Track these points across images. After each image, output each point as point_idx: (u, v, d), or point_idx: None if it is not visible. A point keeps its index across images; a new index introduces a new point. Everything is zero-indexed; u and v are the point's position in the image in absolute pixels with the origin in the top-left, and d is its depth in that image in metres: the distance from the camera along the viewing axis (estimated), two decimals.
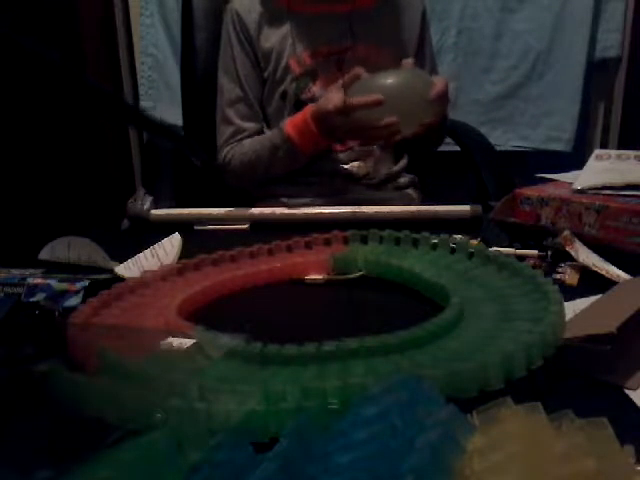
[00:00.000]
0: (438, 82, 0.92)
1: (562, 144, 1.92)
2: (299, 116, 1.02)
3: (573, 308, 0.53)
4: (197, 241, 0.82)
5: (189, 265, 0.69)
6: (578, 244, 0.70)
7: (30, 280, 0.64)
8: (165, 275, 0.66)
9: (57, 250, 0.74)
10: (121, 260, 0.71)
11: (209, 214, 0.95)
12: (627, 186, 0.76)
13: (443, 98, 0.92)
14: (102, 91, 0.79)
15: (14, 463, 0.32)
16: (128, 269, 0.69)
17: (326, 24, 1.10)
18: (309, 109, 1.00)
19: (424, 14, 1.18)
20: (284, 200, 1.09)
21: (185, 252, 0.74)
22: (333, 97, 0.94)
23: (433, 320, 0.50)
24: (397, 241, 0.73)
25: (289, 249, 0.74)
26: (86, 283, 0.64)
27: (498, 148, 1.37)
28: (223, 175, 1.14)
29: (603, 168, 0.84)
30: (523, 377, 0.42)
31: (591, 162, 0.87)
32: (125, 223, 0.98)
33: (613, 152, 0.88)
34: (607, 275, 0.64)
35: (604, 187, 0.77)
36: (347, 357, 0.45)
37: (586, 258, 0.67)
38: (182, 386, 0.39)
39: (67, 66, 0.67)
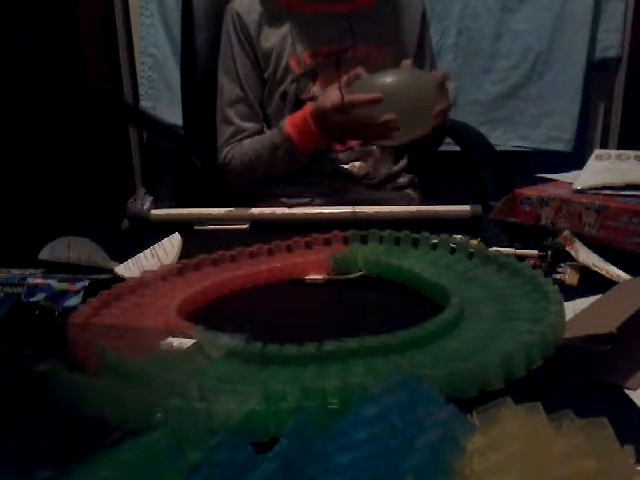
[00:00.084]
0: (438, 71, 0.94)
1: (562, 144, 1.92)
2: (298, 115, 1.02)
3: (573, 308, 0.53)
4: (197, 241, 0.82)
5: (189, 265, 0.69)
6: (578, 244, 0.70)
7: (30, 280, 0.64)
8: (165, 275, 0.66)
9: (57, 250, 0.74)
10: (121, 260, 0.71)
11: (209, 214, 0.95)
12: (627, 186, 0.76)
13: (442, 88, 0.93)
14: (102, 91, 0.79)
15: (14, 463, 0.32)
16: (128, 269, 0.69)
17: (326, 24, 1.10)
18: (308, 108, 1.00)
19: (424, 14, 1.18)
20: (284, 200, 1.09)
21: (185, 252, 0.74)
22: (331, 95, 0.94)
23: (433, 320, 0.50)
24: (397, 241, 0.73)
25: (289, 249, 0.74)
26: (86, 283, 0.64)
27: (498, 148, 1.37)
28: (223, 175, 1.14)
29: (603, 168, 0.84)
30: (523, 377, 0.42)
31: (591, 162, 0.87)
32: (125, 223, 0.98)
33: (613, 152, 0.88)
34: (607, 275, 0.64)
35: (604, 187, 0.77)
36: (347, 357, 0.45)
37: (586, 258, 0.67)
38: (182, 386, 0.39)
39: (67, 66, 0.67)
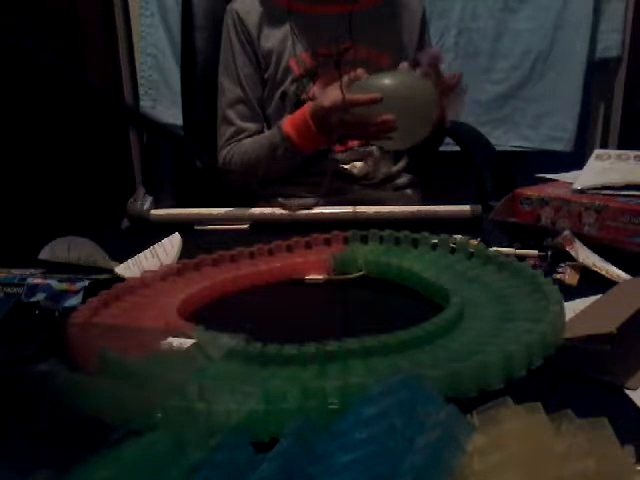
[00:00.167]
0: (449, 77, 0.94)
1: (562, 144, 1.92)
2: (297, 115, 1.02)
3: (573, 308, 0.53)
4: (197, 241, 0.82)
5: (189, 265, 0.69)
6: (578, 244, 0.70)
7: (30, 280, 0.64)
8: (165, 275, 0.66)
9: (57, 250, 0.74)
10: (121, 260, 0.71)
11: (209, 214, 0.95)
12: (627, 186, 0.76)
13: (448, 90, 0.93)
14: (102, 93, 0.79)
15: (14, 463, 0.32)
16: (128, 269, 0.69)
17: (326, 25, 1.10)
18: (307, 107, 1.00)
19: (424, 15, 1.18)
20: (284, 200, 1.09)
21: (185, 252, 0.74)
22: (331, 94, 0.94)
23: (433, 320, 0.50)
24: (397, 241, 0.73)
25: (289, 249, 0.74)
26: (86, 283, 0.64)
27: (498, 148, 1.37)
28: (224, 175, 1.14)
29: (603, 168, 0.84)
30: (523, 377, 0.42)
31: (591, 162, 0.87)
32: (125, 223, 0.98)
33: (613, 152, 0.88)
34: (607, 275, 0.64)
35: (604, 187, 0.77)
36: (347, 357, 0.45)
37: (586, 258, 0.67)
38: (182, 386, 0.39)
39: (67, 68, 0.67)
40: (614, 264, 0.67)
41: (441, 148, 1.25)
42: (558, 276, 0.66)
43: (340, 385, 0.38)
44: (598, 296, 0.56)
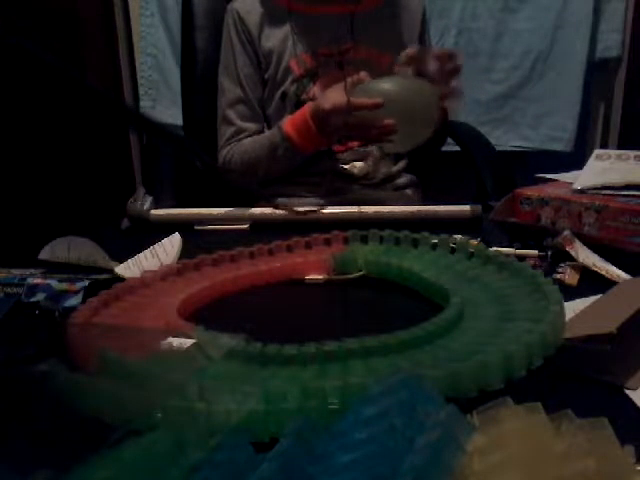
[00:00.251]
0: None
1: (562, 144, 1.92)
2: (298, 115, 1.02)
3: (573, 308, 0.53)
4: (197, 241, 0.82)
5: (189, 265, 0.69)
6: (578, 244, 0.70)
7: (30, 280, 0.64)
8: (165, 275, 0.66)
9: (57, 250, 0.74)
10: (121, 260, 0.71)
11: (209, 214, 0.95)
12: (627, 186, 0.76)
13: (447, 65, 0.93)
14: (102, 95, 0.79)
15: (14, 463, 0.32)
16: (128, 269, 0.69)
17: (327, 25, 1.10)
18: (308, 107, 1.00)
19: (424, 15, 1.18)
20: (284, 200, 1.09)
21: (185, 252, 0.74)
22: (331, 96, 0.94)
23: (433, 320, 0.50)
24: (397, 241, 0.73)
25: (289, 249, 0.74)
26: (86, 283, 0.64)
27: (498, 148, 1.37)
28: (224, 175, 1.14)
29: (603, 168, 0.84)
30: (523, 377, 0.42)
31: (591, 162, 0.87)
32: (125, 223, 0.98)
33: (613, 152, 0.87)
34: (607, 275, 0.64)
35: (604, 187, 0.77)
36: (347, 357, 0.45)
37: (586, 258, 0.67)
38: (182, 386, 0.39)
39: (67, 69, 0.67)
40: (614, 264, 0.67)
41: (441, 148, 1.25)
42: (558, 276, 0.66)
43: (340, 385, 0.38)
44: (598, 296, 0.56)
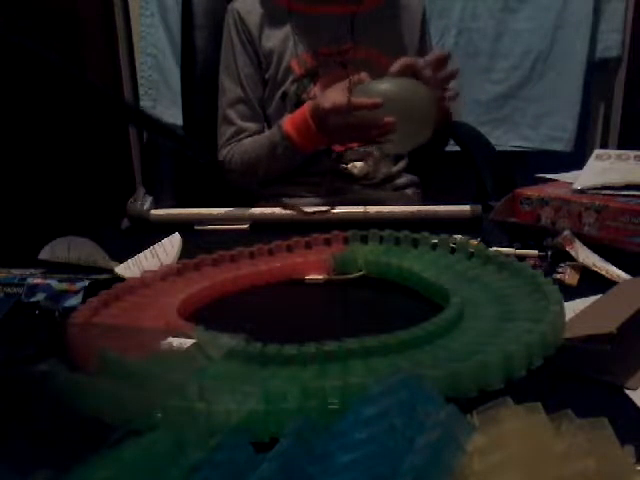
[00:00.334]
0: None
1: (562, 144, 1.92)
2: (297, 113, 1.02)
3: (573, 308, 0.53)
4: (197, 241, 0.82)
5: (189, 265, 0.69)
6: (578, 244, 0.70)
7: (30, 280, 0.64)
8: (165, 275, 0.66)
9: (57, 250, 0.74)
10: (121, 260, 0.71)
11: (209, 214, 0.95)
12: (627, 186, 0.76)
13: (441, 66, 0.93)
14: (102, 92, 0.79)
15: (14, 463, 0.32)
16: (128, 269, 0.69)
17: (327, 25, 1.10)
18: (307, 106, 1.00)
19: (424, 15, 1.18)
20: (283, 199, 1.09)
21: (185, 252, 0.74)
22: (330, 96, 0.94)
23: (433, 320, 0.50)
24: (397, 241, 0.73)
25: (289, 249, 0.74)
26: (86, 283, 0.64)
27: (498, 148, 1.37)
28: (225, 173, 1.14)
29: (603, 168, 0.84)
30: (523, 377, 0.42)
31: (591, 162, 0.87)
32: (125, 223, 0.98)
33: (613, 152, 0.87)
34: (607, 275, 0.64)
35: (604, 187, 0.77)
36: (347, 357, 0.45)
37: (586, 258, 0.67)
38: (182, 386, 0.39)
39: (67, 66, 0.67)
40: (614, 264, 0.67)
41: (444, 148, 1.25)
42: (558, 276, 0.66)
43: (340, 385, 0.38)
44: (598, 296, 0.56)
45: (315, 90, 1.09)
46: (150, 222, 0.95)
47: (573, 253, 0.68)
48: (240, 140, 1.12)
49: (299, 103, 1.08)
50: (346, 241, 0.75)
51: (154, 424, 0.35)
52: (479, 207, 0.91)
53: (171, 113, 1.89)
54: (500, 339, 0.47)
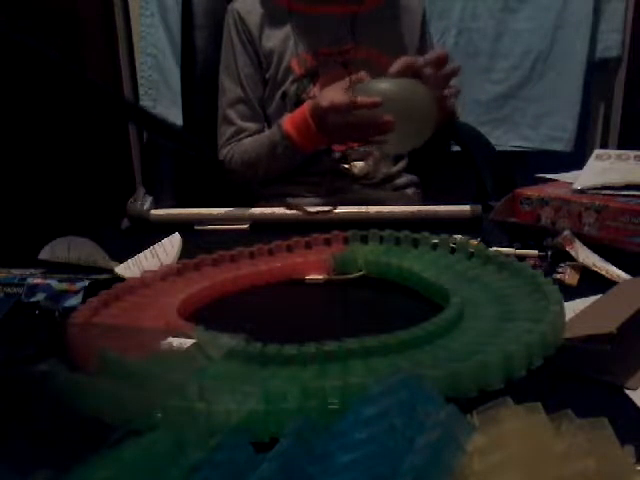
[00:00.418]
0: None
1: (562, 144, 1.92)
2: (297, 113, 1.02)
3: (573, 308, 0.53)
4: (197, 241, 0.82)
5: (189, 265, 0.69)
6: (578, 244, 0.70)
7: (30, 280, 0.64)
8: (165, 275, 0.66)
9: (57, 250, 0.74)
10: (121, 260, 0.71)
11: (209, 214, 0.95)
12: (627, 186, 0.76)
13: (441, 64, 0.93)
14: (103, 90, 0.79)
15: (14, 463, 0.32)
16: (128, 269, 0.69)
17: (327, 25, 1.10)
18: (307, 105, 1.00)
19: (424, 16, 1.18)
20: (286, 199, 1.09)
21: (185, 252, 0.74)
22: (328, 95, 0.94)
23: (433, 320, 0.50)
24: (397, 241, 0.73)
25: (289, 249, 0.74)
26: (86, 283, 0.64)
27: (498, 148, 1.37)
28: (225, 172, 1.14)
29: (603, 168, 0.84)
30: (523, 377, 0.42)
31: (591, 162, 0.87)
32: (125, 223, 0.98)
33: (613, 152, 0.87)
34: (607, 275, 0.64)
35: (604, 187, 0.77)
36: (347, 357, 0.45)
37: (586, 258, 0.67)
38: (182, 386, 0.39)
39: (68, 65, 0.67)
40: (614, 264, 0.67)
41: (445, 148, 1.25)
42: (558, 276, 0.66)
43: (340, 385, 0.38)
44: (598, 296, 0.56)
45: (315, 90, 1.09)
46: (150, 222, 0.95)
47: (573, 253, 0.68)
48: (240, 140, 1.12)
49: (299, 103, 1.08)
50: (346, 241, 0.75)
51: (154, 424, 0.35)
52: (479, 207, 0.91)
53: (171, 113, 1.89)
54: (500, 339, 0.47)
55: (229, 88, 1.13)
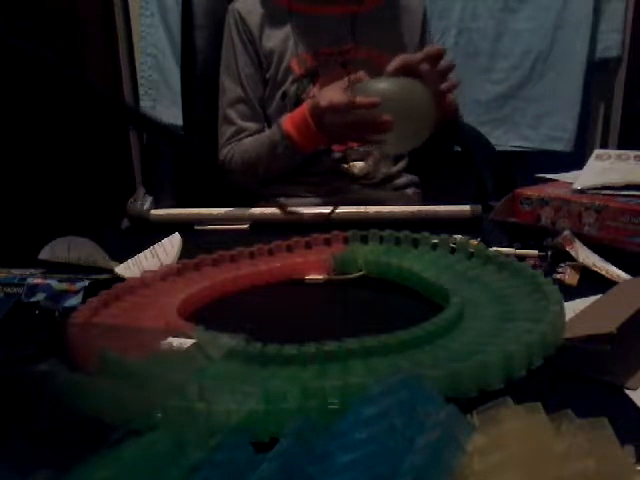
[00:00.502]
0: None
1: (562, 144, 1.92)
2: (297, 112, 1.02)
3: (573, 308, 0.53)
4: (197, 241, 0.82)
5: (189, 265, 0.69)
6: (578, 244, 0.70)
7: (30, 280, 0.64)
8: (165, 275, 0.66)
9: (57, 250, 0.74)
10: (121, 260, 0.71)
11: (209, 214, 0.95)
12: (627, 186, 0.76)
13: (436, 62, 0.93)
14: (103, 94, 0.79)
15: (14, 463, 0.32)
16: (128, 269, 0.69)
17: (327, 25, 1.10)
18: (306, 105, 1.00)
19: (424, 16, 1.18)
20: (278, 199, 1.09)
21: (185, 252, 0.74)
22: (327, 94, 0.94)
23: (433, 320, 0.50)
24: (397, 241, 0.73)
25: (289, 249, 0.74)
26: (86, 283, 0.64)
27: (498, 148, 1.37)
28: (226, 175, 1.14)
29: (603, 168, 0.84)
30: (523, 377, 0.42)
31: (591, 162, 0.87)
32: (125, 223, 0.98)
33: (613, 152, 0.87)
34: (607, 275, 0.64)
35: (604, 187, 0.77)
36: (347, 357, 0.45)
37: (586, 258, 0.67)
38: (182, 386, 0.39)
39: (67, 68, 0.67)
40: (614, 264, 0.67)
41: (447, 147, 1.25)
42: (558, 276, 0.66)
43: (340, 385, 0.38)
44: (598, 296, 0.56)
45: (315, 90, 1.09)
46: (150, 222, 0.95)
47: (573, 253, 0.68)
48: (240, 140, 1.12)
49: (299, 103, 1.08)
50: (346, 241, 0.75)
51: (154, 424, 0.35)
52: (479, 207, 0.91)
53: (171, 113, 1.89)
54: (500, 339, 0.47)
55: (229, 88, 1.13)
